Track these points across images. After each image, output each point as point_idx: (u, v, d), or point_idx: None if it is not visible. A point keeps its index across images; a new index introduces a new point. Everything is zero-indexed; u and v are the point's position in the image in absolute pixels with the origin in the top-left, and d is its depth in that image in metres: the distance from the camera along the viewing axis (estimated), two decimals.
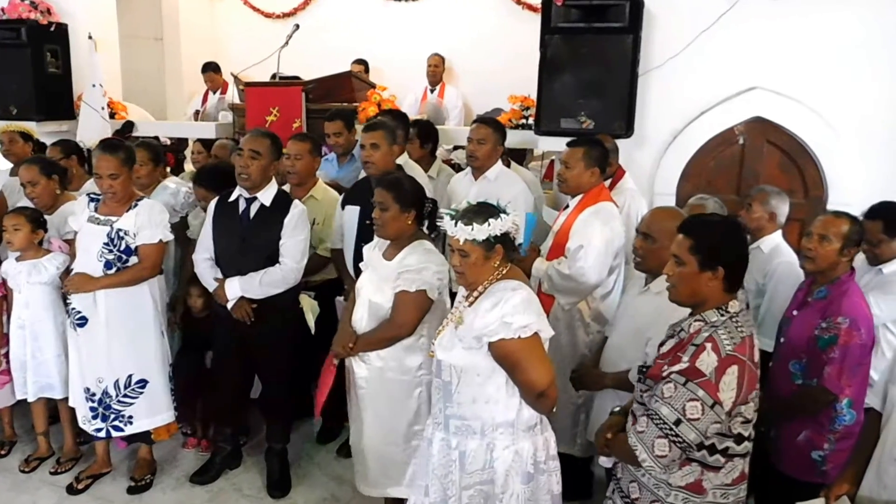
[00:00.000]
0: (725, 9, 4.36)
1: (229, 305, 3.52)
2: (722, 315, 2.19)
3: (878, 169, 4.35)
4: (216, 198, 3.68)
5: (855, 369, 2.74)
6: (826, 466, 2.80)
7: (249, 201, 3.54)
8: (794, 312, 2.99)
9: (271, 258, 3.52)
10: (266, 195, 3.53)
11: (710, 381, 2.08)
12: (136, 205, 3.52)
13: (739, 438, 2.20)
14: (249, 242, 3.52)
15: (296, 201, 3.62)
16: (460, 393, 2.46)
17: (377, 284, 3.05)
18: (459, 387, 2.46)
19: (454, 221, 2.40)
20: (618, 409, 2.51)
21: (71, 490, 3.75)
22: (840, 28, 4.32)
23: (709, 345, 2.12)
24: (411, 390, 3.06)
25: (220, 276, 3.57)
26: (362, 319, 3.09)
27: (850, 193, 4.14)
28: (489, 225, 2.36)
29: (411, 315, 2.97)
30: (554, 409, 2.46)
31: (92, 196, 3.58)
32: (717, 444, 2.17)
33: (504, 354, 2.36)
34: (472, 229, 2.36)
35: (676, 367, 2.14)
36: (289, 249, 3.52)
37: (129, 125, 5.92)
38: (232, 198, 3.59)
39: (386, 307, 3.02)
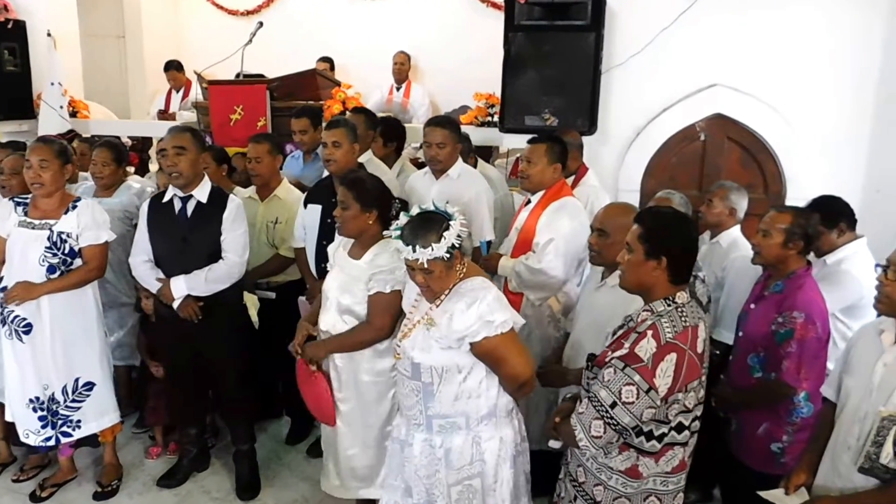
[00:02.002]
0: (685, 7, 4.42)
1: (175, 304, 3.48)
2: (668, 305, 2.23)
3: (836, 164, 4.45)
4: (147, 200, 3.66)
5: (812, 363, 2.80)
6: (785, 458, 2.86)
7: (185, 200, 3.50)
8: (752, 306, 3.05)
9: (213, 255, 3.50)
10: (202, 192, 3.51)
11: (647, 366, 2.13)
12: (74, 206, 3.46)
13: (680, 427, 2.23)
14: (191, 241, 3.49)
15: (231, 196, 3.60)
16: (442, 392, 2.48)
17: (345, 285, 3.00)
18: (441, 386, 2.48)
19: (409, 246, 2.37)
20: (569, 395, 2.55)
21: (34, 498, 3.69)
22: (798, 25, 4.40)
23: (650, 332, 2.17)
24: (385, 392, 3.02)
25: (161, 276, 3.53)
26: (335, 323, 3.03)
27: (808, 189, 4.19)
28: (444, 239, 2.36)
29: (389, 317, 2.94)
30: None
31: (17, 200, 3.50)
32: (654, 430, 2.21)
33: (487, 351, 2.41)
34: (432, 250, 2.35)
35: (618, 353, 2.20)
36: (230, 244, 3.50)
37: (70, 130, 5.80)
38: (165, 198, 3.55)
39: (357, 309, 2.98)
